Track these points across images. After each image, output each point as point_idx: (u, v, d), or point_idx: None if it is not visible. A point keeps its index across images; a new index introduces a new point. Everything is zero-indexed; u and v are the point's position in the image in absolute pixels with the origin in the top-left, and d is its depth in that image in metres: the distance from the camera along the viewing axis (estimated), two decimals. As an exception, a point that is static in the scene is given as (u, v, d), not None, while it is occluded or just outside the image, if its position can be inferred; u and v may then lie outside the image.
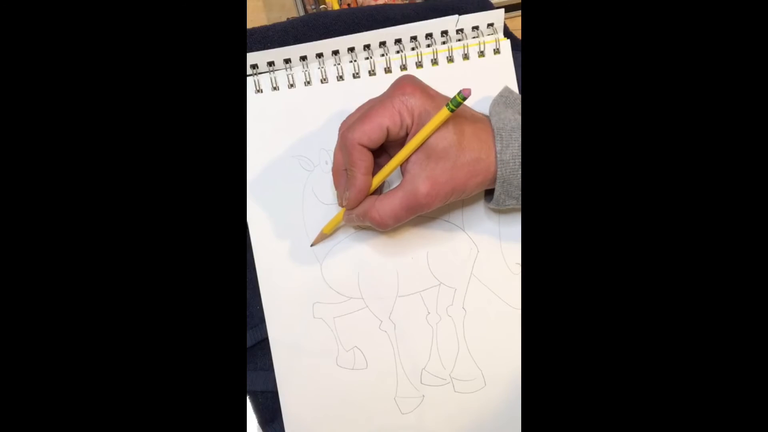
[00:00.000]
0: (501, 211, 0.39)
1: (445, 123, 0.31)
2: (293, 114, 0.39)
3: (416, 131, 0.32)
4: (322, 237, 0.38)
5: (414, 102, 0.31)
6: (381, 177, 0.34)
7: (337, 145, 0.34)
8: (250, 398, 0.39)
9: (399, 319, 0.38)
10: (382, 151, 0.34)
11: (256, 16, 1.33)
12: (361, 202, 0.34)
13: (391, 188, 0.33)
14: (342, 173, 0.34)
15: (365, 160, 0.32)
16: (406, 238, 0.39)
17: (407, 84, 0.32)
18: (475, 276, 0.39)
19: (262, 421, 0.39)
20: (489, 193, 0.37)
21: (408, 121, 0.31)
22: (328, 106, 0.39)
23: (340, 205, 0.35)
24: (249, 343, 0.39)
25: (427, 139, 0.31)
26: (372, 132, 0.31)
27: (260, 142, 0.39)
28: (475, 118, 0.34)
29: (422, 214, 0.33)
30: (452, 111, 0.30)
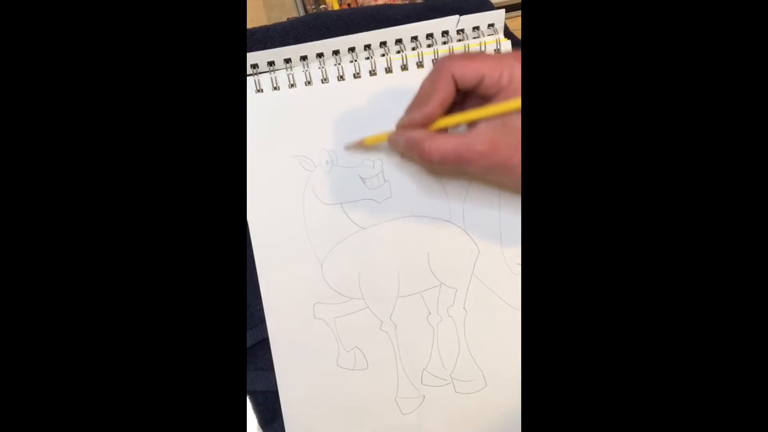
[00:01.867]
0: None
1: None
2: (294, 114, 0.39)
3: (505, 97, 0.31)
4: (361, 146, 0.37)
5: (519, 72, 0.30)
6: (449, 121, 0.33)
7: (430, 72, 0.33)
8: (250, 398, 0.39)
9: (400, 319, 0.38)
10: (457, 103, 0.34)
11: (256, 16, 1.33)
12: (417, 128, 0.33)
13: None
14: (421, 99, 0.33)
15: (447, 91, 0.31)
16: (406, 239, 0.39)
17: (521, 57, 0.31)
18: (476, 276, 0.39)
19: (262, 421, 0.39)
20: None
21: (505, 82, 0.31)
22: (328, 106, 0.39)
23: (400, 126, 0.34)
24: (249, 343, 0.39)
25: (512, 111, 0.31)
26: (468, 69, 0.31)
27: (260, 142, 0.39)
28: None
29: (467, 169, 0.33)
30: None
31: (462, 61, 0.31)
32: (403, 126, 0.33)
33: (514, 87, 0.31)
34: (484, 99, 0.32)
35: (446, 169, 0.33)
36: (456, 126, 0.33)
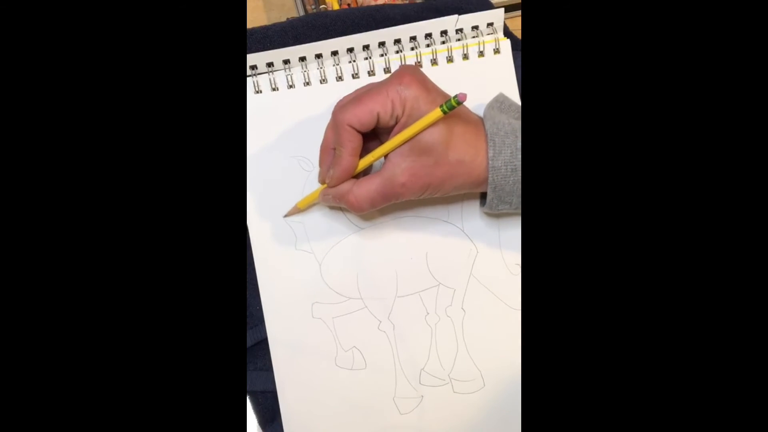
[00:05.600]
0: (497, 214, 0.39)
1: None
2: (293, 114, 0.39)
3: (405, 122, 0.32)
4: (296, 211, 0.38)
5: (408, 93, 0.31)
6: (365, 163, 0.34)
7: (329, 123, 0.34)
8: (250, 398, 0.39)
9: (398, 319, 0.38)
10: (372, 136, 0.35)
11: (256, 16, 1.33)
12: (343, 182, 0.34)
13: (372, 173, 0.34)
14: (329, 151, 0.34)
15: (353, 141, 0.32)
16: (405, 239, 0.39)
17: (406, 74, 0.32)
18: (475, 276, 0.39)
19: (262, 421, 0.39)
20: (483, 197, 0.37)
21: (399, 111, 0.32)
22: (327, 107, 0.39)
23: (321, 181, 0.36)
24: (249, 343, 0.39)
25: (416, 135, 0.31)
26: (362, 115, 0.31)
27: (260, 143, 0.39)
28: (468, 119, 0.34)
29: (398, 202, 0.34)
30: (444, 113, 0.30)
31: (352, 109, 0.32)
32: (332, 185, 0.34)
33: (408, 111, 0.31)
34: (389, 130, 0.33)
35: (380, 208, 0.35)
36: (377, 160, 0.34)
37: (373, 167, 0.35)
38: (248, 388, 0.39)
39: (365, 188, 0.33)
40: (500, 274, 0.39)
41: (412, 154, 0.32)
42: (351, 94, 0.34)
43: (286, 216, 0.38)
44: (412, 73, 0.32)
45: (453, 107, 0.30)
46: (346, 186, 0.34)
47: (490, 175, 0.33)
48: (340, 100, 0.34)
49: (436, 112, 0.31)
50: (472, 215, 0.39)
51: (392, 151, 0.32)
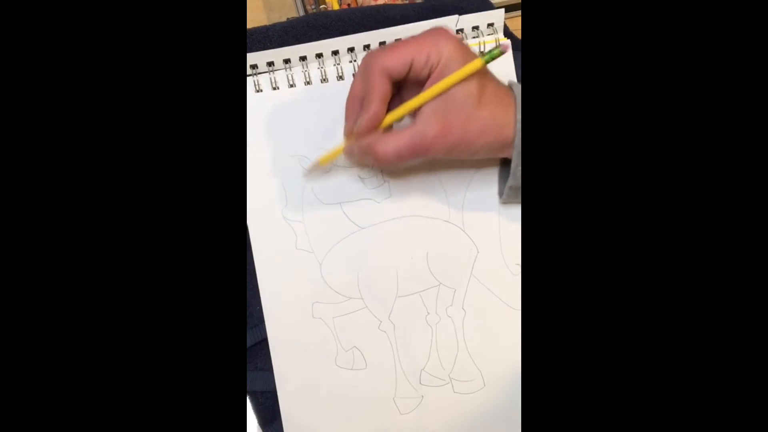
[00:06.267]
0: (511, 203, 0.39)
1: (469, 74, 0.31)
2: (293, 114, 0.39)
3: (438, 75, 0.31)
4: (317, 167, 0.38)
5: (445, 46, 0.31)
6: (395, 115, 0.33)
7: (358, 72, 0.34)
8: (250, 398, 0.39)
9: (398, 319, 0.38)
10: (395, 95, 0.34)
11: (256, 16, 1.33)
12: (370, 131, 0.33)
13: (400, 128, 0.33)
14: (357, 102, 0.33)
15: (384, 86, 0.31)
16: (405, 239, 0.39)
17: (443, 30, 0.32)
18: (475, 276, 0.39)
19: (262, 422, 0.39)
20: (501, 184, 0.36)
21: (434, 60, 0.31)
22: (328, 106, 0.39)
23: (347, 135, 0.35)
24: (249, 343, 0.39)
25: (452, 86, 0.31)
26: (396, 60, 0.31)
27: (260, 142, 0.39)
28: (498, 80, 0.34)
29: (427, 157, 0.33)
30: (486, 63, 0.30)
31: (386, 54, 0.31)
32: (353, 135, 0.33)
33: (444, 62, 0.31)
34: (419, 84, 0.32)
35: (406, 164, 0.33)
36: (400, 121, 0.33)
37: (395, 127, 0.34)
38: (248, 388, 0.39)
39: (394, 140, 0.32)
40: (501, 274, 0.39)
41: (446, 107, 0.31)
42: (383, 46, 0.33)
43: (306, 173, 0.38)
44: (448, 30, 0.32)
45: (494, 57, 0.29)
46: (373, 137, 0.32)
47: (517, 135, 0.32)
48: (372, 50, 0.33)
49: (477, 62, 0.30)
50: (472, 215, 0.39)
51: (425, 103, 0.32)
